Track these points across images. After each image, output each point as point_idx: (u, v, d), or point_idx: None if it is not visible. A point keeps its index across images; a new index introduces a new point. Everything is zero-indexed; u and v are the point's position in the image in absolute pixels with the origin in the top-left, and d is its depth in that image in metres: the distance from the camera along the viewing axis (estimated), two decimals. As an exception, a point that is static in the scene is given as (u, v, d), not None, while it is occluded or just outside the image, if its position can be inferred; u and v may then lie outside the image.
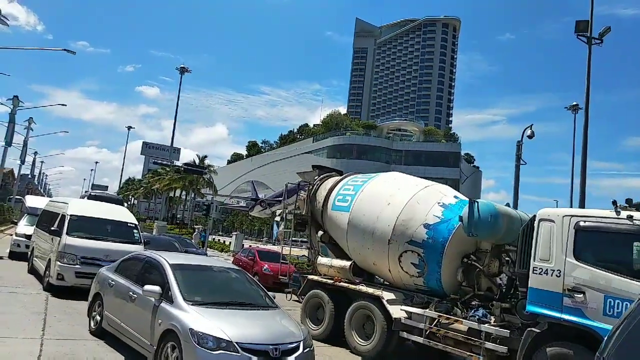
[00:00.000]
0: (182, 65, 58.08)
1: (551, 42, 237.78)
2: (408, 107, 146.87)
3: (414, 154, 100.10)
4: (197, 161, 52.83)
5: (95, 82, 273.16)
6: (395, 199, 9.48)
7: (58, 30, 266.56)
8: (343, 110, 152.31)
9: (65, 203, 12.86)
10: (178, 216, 67.77)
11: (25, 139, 39.38)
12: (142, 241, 12.57)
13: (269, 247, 40.08)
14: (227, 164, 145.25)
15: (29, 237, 16.30)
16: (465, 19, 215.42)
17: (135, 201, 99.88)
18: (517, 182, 24.70)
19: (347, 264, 10.04)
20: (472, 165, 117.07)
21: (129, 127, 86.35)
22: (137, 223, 13.08)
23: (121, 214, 13.08)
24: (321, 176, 12.10)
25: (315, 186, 11.76)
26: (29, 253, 14.51)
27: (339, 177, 11.78)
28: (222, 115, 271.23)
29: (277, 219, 59.13)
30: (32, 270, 13.55)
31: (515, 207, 18.19)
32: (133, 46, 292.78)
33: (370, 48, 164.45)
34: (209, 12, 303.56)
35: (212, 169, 57.50)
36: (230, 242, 39.97)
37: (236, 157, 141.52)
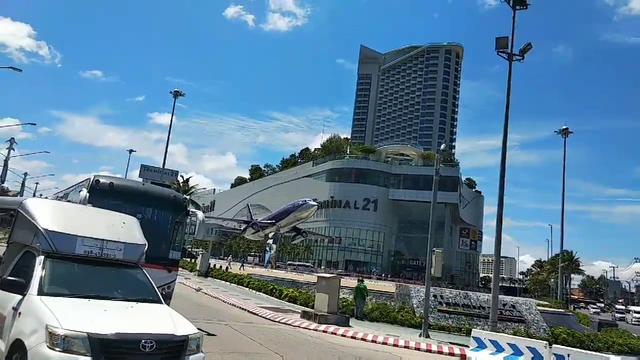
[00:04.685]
0: (175, 89, 60.15)
1: (561, 66, 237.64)
2: (411, 132, 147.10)
3: (412, 178, 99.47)
4: (181, 180, 53.22)
5: (111, 109, 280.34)
6: None
7: (75, 60, 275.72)
8: (348, 135, 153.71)
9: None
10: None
11: (6, 158, 40.55)
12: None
13: None
14: (231, 187, 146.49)
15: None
16: (475, 44, 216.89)
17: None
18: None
19: None
20: (473, 190, 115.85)
21: (130, 151, 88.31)
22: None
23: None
24: None
25: None
26: None
27: None
28: (234, 141, 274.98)
29: (270, 241, 59.31)
30: None
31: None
32: (148, 74, 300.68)
33: (374, 74, 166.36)
34: (226, 40, 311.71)
35: (196, 189, 57.72)
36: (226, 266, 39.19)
37: (240, 181, 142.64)
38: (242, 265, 56.74)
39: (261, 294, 25.23)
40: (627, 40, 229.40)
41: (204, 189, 70.04)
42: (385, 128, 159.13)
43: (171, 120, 60.00)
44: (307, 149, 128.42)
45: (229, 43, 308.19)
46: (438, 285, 44.16)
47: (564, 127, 59.27)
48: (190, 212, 13.31)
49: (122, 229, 7.95)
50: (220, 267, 38.24)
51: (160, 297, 7.34)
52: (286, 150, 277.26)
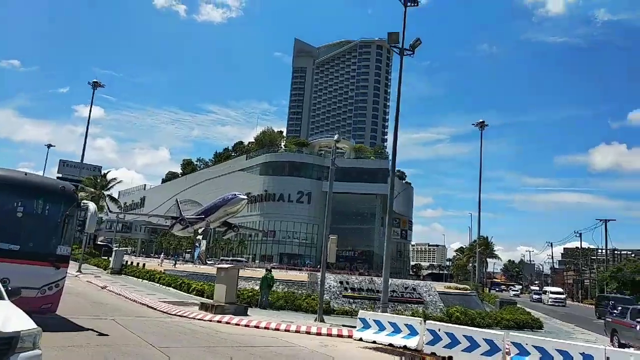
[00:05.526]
0: (94, 80, 57.15)
1: (491, 63, 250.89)
2: (345, 125, 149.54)
3: (344, 171, 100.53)
4: (98, 176, 50.80)
5: (30, 100, 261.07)
6: None
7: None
8: (285, 128, 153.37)
9: None
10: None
11: None
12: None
13: None
14: (162, 182, 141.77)
15: None
16: (406, 40, 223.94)
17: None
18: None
19: None
20: (403, 181, 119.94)
21: (49, 145, 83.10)
22: None
23: None
24: None
25: None
26: None
27: None
28: (167, 135, 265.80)
29: (199, 237, 57.75)
30: None
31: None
32: (72, 65, 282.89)
33: (309, 68, 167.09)
34: (157, 31, 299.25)
35: (115, 183, 55.15)
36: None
37: (171, 176, 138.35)
38: (176, 263, 55.37)
39: (170, 288, 24.91)
40: (545, 39, 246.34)
41: (121, 181, 66.28)
42: (320, 122, 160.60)
43: (89, 113, 56.20)
44: (241, 143, 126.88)
45: (160, 34, 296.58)
46: (377, 276, 45.49)
47: (481, 120, 63.07)
48: (82, 204, 12.83)
49: None
50: (138, 264, 37.04)
51: (4, 293, 6.98)
52: (223, 144, 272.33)
